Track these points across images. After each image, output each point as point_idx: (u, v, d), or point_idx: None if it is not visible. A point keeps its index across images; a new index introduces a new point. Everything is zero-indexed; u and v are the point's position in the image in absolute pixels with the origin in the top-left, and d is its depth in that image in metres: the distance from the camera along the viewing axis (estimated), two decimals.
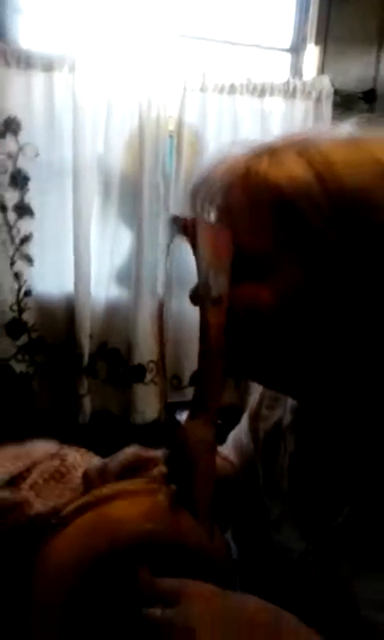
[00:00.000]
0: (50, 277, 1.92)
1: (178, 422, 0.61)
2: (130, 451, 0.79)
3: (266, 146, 0.57)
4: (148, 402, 2.03)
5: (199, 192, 0.61)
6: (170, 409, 0.67)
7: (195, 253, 0.57)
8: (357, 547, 0.60)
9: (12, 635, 0.66)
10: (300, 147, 0.56)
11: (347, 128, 0.59)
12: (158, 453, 0.79)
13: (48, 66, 1.74)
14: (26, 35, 1.82)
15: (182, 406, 0.67)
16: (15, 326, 1.91)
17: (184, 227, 0.57)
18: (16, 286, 1.88)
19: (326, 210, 0.53)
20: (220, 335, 0.55)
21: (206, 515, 0.60)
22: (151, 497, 0.64)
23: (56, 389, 1.98)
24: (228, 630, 0.52)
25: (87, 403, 1.97)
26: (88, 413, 1.97)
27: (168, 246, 0.65)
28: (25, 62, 1.72)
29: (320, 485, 0.66)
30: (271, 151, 0.56)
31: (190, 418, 0.59)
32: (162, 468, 0.69)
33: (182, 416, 0.62)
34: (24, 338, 1.93)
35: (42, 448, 1.03)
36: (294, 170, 0.54)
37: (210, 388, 0.57)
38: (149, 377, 2.03)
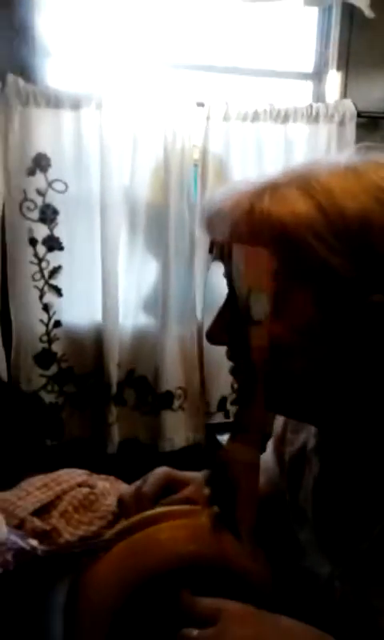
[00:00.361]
0: (78, 307, 1.95)
1: (220, 443, 0.62)
2: (161, 472, 0.80)
3: (268, 182, 0.58)
4: (176, 429, 2.03)
5: (211, 225, 0.62)
6: (210, 430, 0.68)
7: (232, 276, 0.57)
8: (382, 571, 0.59)
9: None
10: (300, 180, 0.56)
11: (346, 156, 0.59)
12: (189, 474, 0.80)
13: (75, 104, 1.79)
14: (54, 76, 1.87)
15: (221, 428, 0.68)
16: (45, 357, 1.93)
17: (222, 251, 0.58)
18: (46, 318, 1.91)
19: (330, 239, 0.53)
20: (264, 357, 0.55)
21: (248, 536, 0.60)
22: (194, 519, 0.65)
23: (85, 418, 2.00)
24: None
25: (115, 432, 1.97)
26: (116, 441, 1.98)
27: (207, 270, 0.66)
28: (54, 101, 1.77)
29: (345, 508, 0.66)
30: (273, 187, 0.57)
31: (231, 439, 0.60)
32: (205, 490, 0.69)
33: (223, 437, 0.63)
34: (53, 369, 1.95)
35: (71, 476, 1.05)
36: (296, 204, 0.55)
37: (252, 410, 0.57)
38: (177, 403, 2.03)
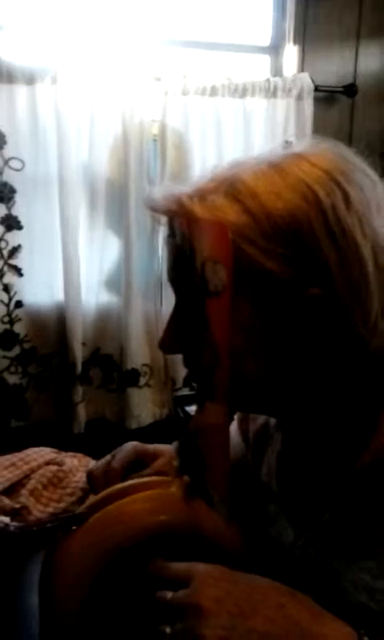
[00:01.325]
0: (39, 287, 1.93)
1: (188, 413, 0.63)
2: (130, 446, 0.81)
3: (196, 188, 0.58)
4: (143, 406, 2.03)
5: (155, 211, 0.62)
6: (178, 402, 0.69)
7: (183, 248, 0.57)
8: (345, 538, 0.61)
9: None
10: (226, 185, 0.57)
11: (270, 152, 0.60)
12: (158, 446, 0.81)
13: (30, 79, 1.74)
14: (6, 49, 1.81)
15: (189, 399, 0.69)
16: (7, 338, 1.91)
17: (171, 223, 0.58)
18: (6, 298, 1.88)
19: (262, 243, 0.54)
20: (224, 326, 0.56)
21: (222, 503, 0.62)
22: (165, 489, 0.66)
23: (50, 398, 1.99)
24: (237, 606, 0.53)
25: (82, 411, 1.97)
26: (83, 421, 1.97)
27: (161, 247, 0.66)
28: (7, 75, 1.72)
29: (308, 481, 0.68)
30: (201, 195, 0.57)
31: (199, 408, 0.61)
32: (174, 461, 0.70)
33: (191, 408, 0.64)
34: (16, 350, 1.93)
35: (39, 455, 1.05)
36: (224, 211, 0.55)
37: (217, 377, 0.57)
38: (143, 380, 2.03)
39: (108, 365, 2.03)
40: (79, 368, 1.94)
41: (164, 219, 0.62)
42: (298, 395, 0.62)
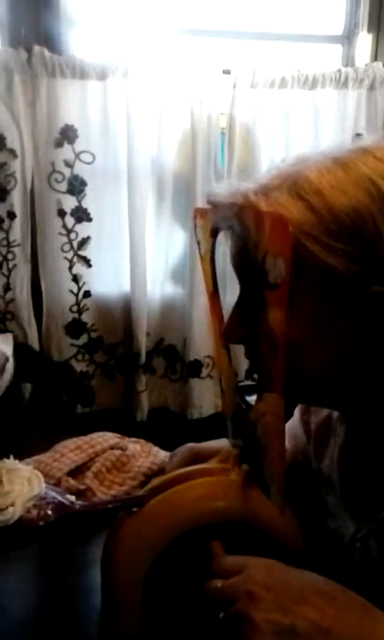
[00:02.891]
0: (107, 278, 1.97)
1: (249, 403, 0.64)
2: (185, 449, 0.82)
3: (260, 185, 0.59)
4: (205, 397, 2.05)
5: (214, 209, 0.63)
6: (240, 392, 0.70)
7: (246, 241, 0.58)
8: None
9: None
10: (290, 183, 0.57)
11: (336, 148, 0.60)
12: (214, 444, 0.82)
13: (101, 75, 1.78)
14: (79, 46, 1.86)
15: (251, 389, 0.71)
16: (75, 327, 1.96)
17: (236, 215, 0.59)
18: (75, 288, 1.94)
19: (325, 240, 0.54)
20: (282, 318, 0.56)
21: (278, 491, 0.62)
22: (224, 476, 0.68)
23: (115, 387, 2.04)
24: (289, 594, 0.54)
25: (145, 400, 2.01)
26: (146, 410, 2.01)
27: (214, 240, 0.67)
28: (79, 72, 1.77)
29: (370, 474, 0.67)
30: (265, 191, 0.58)
31: (258, 399, 0.62)
32: (233, 450, 0.71)
33: (252, 398, 0.65)
34: (84, 338, 1.98)
35: (103, 439, 1.08)
36: (288, 208, 0.56)
37: (274, 368, 0.58)
38: (205, 372, 2.05)
39: (171, 355, 2.06)
40: (143, 357, 1.98)
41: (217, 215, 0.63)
42: (360, 389, 0.62)
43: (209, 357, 2.05)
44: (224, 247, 0.67)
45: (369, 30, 2.05)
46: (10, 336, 1.76)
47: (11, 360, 1.55)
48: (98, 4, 1.88)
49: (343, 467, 0.72)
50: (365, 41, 2.06)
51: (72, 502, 0.67)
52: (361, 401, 0.64)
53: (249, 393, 0.69)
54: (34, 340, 1.93)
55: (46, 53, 1.74)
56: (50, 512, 0.64)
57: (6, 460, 0.67)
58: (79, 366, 1.99)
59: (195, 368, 2.03)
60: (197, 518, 0.66)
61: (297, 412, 0.87)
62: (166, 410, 2.08)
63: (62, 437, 1.16)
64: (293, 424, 0.88)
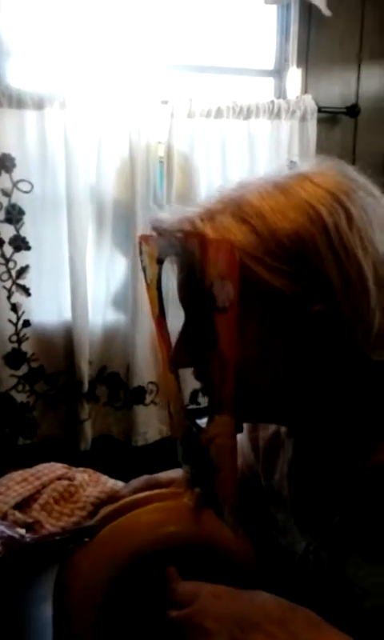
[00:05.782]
0: (47, 306, 1.95)
1: (199, 426, 0.64)
2: (142, 478, 0.82)
3: (204, 210, 0.60)
4: (149, 424, 2.05)
5: (160, 236, 0.64)
6: (190, 415, 0.70)
7: (192, 267, 0.58)
8: (357, 542, 0.63)
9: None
10: (234, 206, 0.59)
11: (275, 173, 0.62)
12: (170, 473, 0.82)
13: (39, 104, 1.78)
14: (16, 76, 1.86)
15: (200, 412, 0.71)
16: (15, 357, 1.92)
17: (183, 241, 0.60)
18: (14, 318, 1.90)
19: (268, 261, 0.56)
20: (232, 341, 0.57)
21: (231, 514, 0.63)
22: (175, 500, 0.68)
23: (57, 416, 2.00)
24: (239, 624, 0.55)
25: (88, 428, 1.98)
26: (90, 438, 1.98)
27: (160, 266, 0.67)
28: (17, 101, 1.76)
29: (318, 486, 0.69)
30: (210, 216, 0.59)
31: (209, 421, 0.62)
32: (185, 474, 0.71)
33: (202, 421, 0.66)
34: (24, 369, 1.94)
35: (50, 470, 1.06)
36: (232, 231, 0.57)
37: (225, 391, 0.59)
38: (149, 398, 2.05)
39: (114, 383, 2.05)
40: (86, 386, 1.95)
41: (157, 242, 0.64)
42: (305, 404, 0.64)
43: (152, 383, 2.05)
44: (169, 273, 0.68)
45: (298, 65, 2.14)
46: None
47: None
48: (35, 34, 1.89)
49: (292, 481, 0.73)
50: (295, 74, 2.15)
51: (22, 536, 0.65)
52: (308, 416, 0.65)
53: (199, 416, 0.70)
54: None
55: None
56: (1, 545, 0.62)
57: None
58: (19, 397, 1.94)
59: (139, 395, 2.02)
60: (150, 544, 0.65)
61: (245, 428, 0.88)
62: (110, 437, 2.06)
63: (7, 469, 1.13)
64: (240, 441, 0.88)
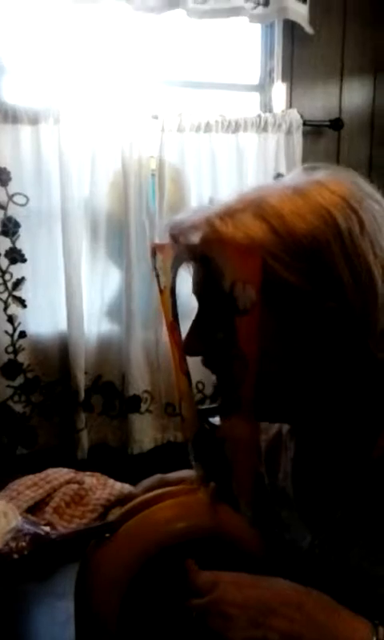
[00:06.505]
0: (43, 318, 1.97)
1: (213, 424, 0.67)
2: (154, 477, 0.84)
3: (225, 207, 0.64)
4: (145, 432, 2.07)
5: (178, 238, 0.66)
6: (204, 414, 0.73)
7: (211, 270, 0.62)
8: (361, 534, 0.66)
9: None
10: (254, 206, 0.63)
11: (292, 178, 0.67)
12: (182, 473, 0.85)
13: (34, 119, 1.82)
14: (11, 92, 1.90)
15: (211, 411, 0.74)
16: (11, 368, 1.95)
17: (203, 245, 0.62)
18: (10, 329, 1.93)
19: (285, 258, 0.60)
20: (253, 342, 0.61)
21: (247, 504, 0.66)
22: (191, 496, 0.71)
23: (53, 426, 2.02)
24: (259, 609, 0.58)
25: (85, 437, 2.00)
26: (86, 447, 2.00)
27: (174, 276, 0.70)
28: (12, 116, 1.80)
29: (321, 483, 0.72)
30: (230, 213, 0.63)
31: (226, 418, 0.66)
32: (198, 471, 0.74)
33: (215, 419, 0.69)
34: (20, 379, 1.96)
35: (59, 474, 1.09)
36: (252, 229, 0.61)
37: (244, 390, 0.62)
38: (144, 407, 2.07)
39: (110, 392, 2.07)
40: (82, 395, 1.98)
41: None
42: (314, 400, 0.67)
43: (146, 392, 2.08)
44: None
45: (283, 80, 2.21)
46: None
47: None
48: (29, 51, 1.93)
49: (296, 478, 0.77)
50: (279, 89, 2.22)
51: (47, 533, 0.68)
52: (315, 411, 0.69)
53: (211, 415, 0.73)
54: None
55: None
56: (25, 544, 0.65)
57: None
58: (16, 407, 1.96)
59: (134, 403, 2.05)
60: (169, 537, 0.68)
61: None
62: (106, 446, 2.08)
63: (12, 477, 1.15)
64: None
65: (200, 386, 2.08)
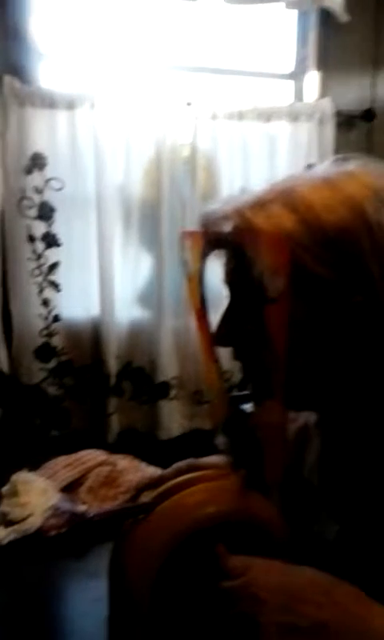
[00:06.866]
0: (76, 302, 2.01)
1: (244, 411, 0.68)
2: (184, 462, 0.86)
3: (255, 198, 0.64)
4: (173, 418, 2.10)
5: (210, 228, 0.67)
6: (234, 401, 0.74)
7: (242, 259, 0.62)
8: None
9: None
10: (285, 197, 0.63)
11: (323, 169, 0.67)
12: (212, 459, 0.87)
13: (70, 105, 1.85)
14: (48, 77, 1.93)
15: (243, 399, 0.75)
16: (45, 351, 1.99)
17: (233, 234, 0.63)
18: (45, 312, 1.97)
19: (314, 249, 0.60)
20: (282, 330, 0.61)
21: (277, 492, 0.67)
22: (222, 481, 0.72)
23: (84, 409, 2.06)
24: (290, 595, 0.59)
25: (115, 422, 2.03)
26: (116, 431, 2.04)
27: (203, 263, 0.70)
28: (49, 102, 1.83)
29: (347, 474, 0.72)
30: (261, 204, 0.63)
31: (258, 406, 0.67)
32: (227, 457, 0.75)
33: (246, 406, 0.70)
34: (53, 362, 2.00)
35: (92, 456, 1.12)
36: (282, 220, 0.61)
37: (276, 377, 0.63)
38: (173, 393, 2.10)
39: (140, 378, 2.10)
40: (112, 380, 2.01)
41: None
42: (341, 388, 0.68)
43: (176, 378, 2.10)
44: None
45: (317, 69, 2.19)
46: None
47: None
48: (66, 36, 1.95)
49: (322, 469, 0.78)
50: (313, 78, 2.20)
51: (85, 511, 0.70)
52: (344, 400, 0.69)
53: (242, 402, 0.74)
54: (3, 364, 1.94)
55: (16, 83, 1.80)
56: (63, 522, 0.68)
57: (20, 473, 0.70)
58: (50, 390, 2.00)
59: (163, 390, 2.08)
60: (199, 522, 0.70)
61: None
62: (136, 431, 2.11)
63: (47, 458, 1.19)
64: None
65: (228, 374, 2.09)
